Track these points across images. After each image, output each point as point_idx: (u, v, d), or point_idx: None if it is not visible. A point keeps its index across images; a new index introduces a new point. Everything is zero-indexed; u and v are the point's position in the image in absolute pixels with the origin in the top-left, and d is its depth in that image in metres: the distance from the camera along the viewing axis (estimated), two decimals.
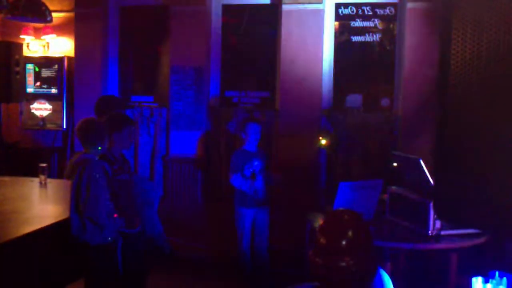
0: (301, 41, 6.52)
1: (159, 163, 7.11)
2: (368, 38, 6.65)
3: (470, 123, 4.11)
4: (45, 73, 7.38)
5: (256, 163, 5.51)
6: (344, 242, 2.11)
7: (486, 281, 2.70)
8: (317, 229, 2.21)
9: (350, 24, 6.68)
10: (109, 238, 4.06)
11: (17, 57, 6.96)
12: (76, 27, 7.29)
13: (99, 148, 4.16)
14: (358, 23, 6.65)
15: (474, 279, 2.72)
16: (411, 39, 6.27)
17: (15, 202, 4.78)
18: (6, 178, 5.72)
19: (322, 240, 2.15)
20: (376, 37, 6.65)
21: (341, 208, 2.32)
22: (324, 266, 2.11)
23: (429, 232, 4.14)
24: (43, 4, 6.32)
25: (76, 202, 3.97)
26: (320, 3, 6.48)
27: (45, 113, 7.39)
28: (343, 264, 2.09)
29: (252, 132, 5.53)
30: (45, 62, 7.40)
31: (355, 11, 6.64)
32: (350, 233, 2.12)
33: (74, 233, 3.99)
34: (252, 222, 5.61)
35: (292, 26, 6.54)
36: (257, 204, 5.55)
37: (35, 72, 7.38)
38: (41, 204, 5.08)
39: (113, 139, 4.35)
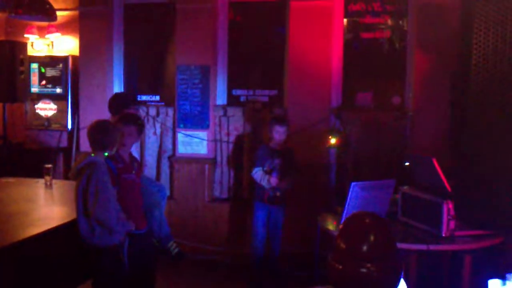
0: (310, 38, 6.48)
1: (165, 163, 7.09)
2: (378, 34, 6.60)
3: (489, 122, 4.08)
4: (50, 72, 7.37)
5: (277, 161, 5.61)
6: (365, 247, 2.00)
7: (503, 283, 2.66)
8: (337, 233, 2.12)
9: (359, 20, 6.64)
10: (117, 240, 4.04)
11: (21, 56, 6.96)
12: (80, 25, 7.28)
13: (107, 152, 4.12)
14: (367, 20, 6.61)
15: (490, 281, 2.68)
16: (422, 35, 6.22)
17: (20, 203, 4.77)
18: (11, 179, 5.72)
19: (342, 245, 2.05)
20: (386, 33, 6.61)
21: (362, 211, 2.21)
22: (344, 272, 2.02)
23: (443, 233, 4.10)
24: (47, 3, 6.31)
25: (83, 205, 3.95)
26: None
27: (50, 113, 7.38)
28: (365, 270, 1.99)
29: (276, 133, 5.67)
30: (49, 61, 7.39)
31: (364, 7, 6.60)
32: (372, 237, 2.02)
33: (82, 236, 3.97)
34: (267, 218, 5.67)
35: (301, 23, 6.50)
36: (273, 201, 5.60)
37: (40, 72, 7.37)
38: (47, 206, 5.07)
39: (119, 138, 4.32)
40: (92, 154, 4.07)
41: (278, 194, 5.66)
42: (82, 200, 3.96)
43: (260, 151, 5.76)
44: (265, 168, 5.63)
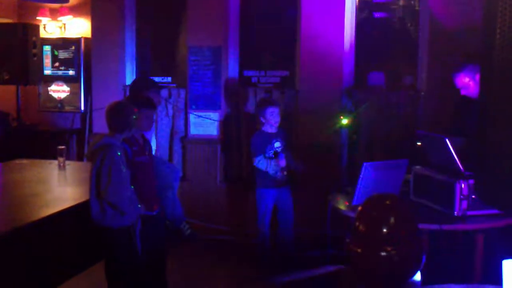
0: (322, 18, 6.41)
1: (178, 144, 7.08)
2: (390, 14, 6.52)
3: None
4: (62, 54, 7.36)
5: (277, 144, 5.49)
6: (385, 230, 1.95)
7: None
8: (355, 215, 2.06)
9: (371, 0, 6.55)
10: (129, 222, 4.04)
11: (34, 39, 6.95)
12: (92, 7, 7.24)
13: (124, 134, 4.10)
14: None
15: (504, 262, 2.63)
16: (434, 14, 6.13)
17: (34, 184, 4.79)
18: (25, 161, 5.73)
19: (361, 227, 2.00)
20: (399, 13, 6.53)
21: (382, 193, 2.14)
22: (364, 256, 1.96)
23: (455, 212, 4.05)
24: None
25: (96, 187, 3.95)
26: None
27: (63, 95, 7.38)
28: (385, 254, 1.93)
29: (271, 116, 5.48)
30: (62, 43, 7.37)
31: None
32: (392, 219, 1.96)
33: (94, 218, 3.97)
34: (274, 203, 5.59)
35: (313, 3, 6.43)
36: (278, 184, 5.53)
37: (53, 54, 7.36)
38: (60, 187, 5.08)
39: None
40: (108, 136, 4.06)
41: (284, 173, 5.53)
42: (95, 182, 3.96)
43: (256, 139, 5.56)
44: (267, 155, 5.50)
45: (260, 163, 5.47)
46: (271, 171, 5.47)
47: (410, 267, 1.98)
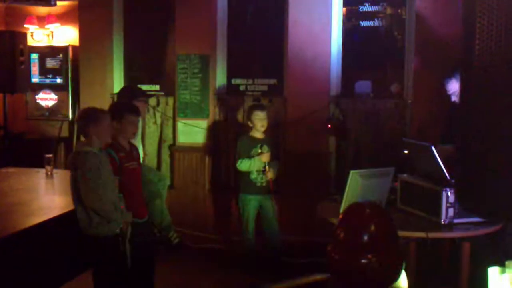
0: (309, 27, 6.44)
1: (166, 152, 7.07)
2: (377, 23, 6.56)
3: (491, 110, 4.03)
4: (50, 62, 7.34)
5: (264, 148, 5.56)
6: (366, 237, 1.95)
7: (503, 271, 2.64)
8: (336, 222, 2.07)
9: (358, 9, 6.59)
10: (117, 230, 4.02)
11: (21, 46, 6.91)
12: (80, 15, 7.23)
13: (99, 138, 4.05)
14: (366, 8, 6.56)
15: (490, 269, 2.66)
16: (420, 23, 6.18)
17: (21, 193, 4.77)
18: (12, 169, 5.71)
19: (342, 235, 2.00)
20: (385, 22, 6.57)
21: (362, 200, 2.16)
22: (344, 263, 1.97)
23: (442, 220, 4.08)
24: None
25: (77, 195, 3.92)
26: None
27: (50, 103, 7.36)
28: (365, 261, 1.93)
29: (258, 119, 5.51)
30: (49, 51, 7.36)
31: None
32: (372, 227, 1.96)
33: (80, 226, 3.95)
34: (256, 209, 5.61)
35: (300, 12, 6.46)
36: (261, 192, 5.54)
37: (40, 62, 7.34)
38: (47, 195, 5.07)
39: (114, 128, 4.27)
40: (83, 143, 4.03)
41: (264, 183, 5.56)
42: (74, 189, 3.93)
43: (241, 143, 5.63)
44: (251, 154, 5.53)
45: (243, 163, 5.50)
46: (254, 167, 5.49)
47: (390, 274, 1.99)
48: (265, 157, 5.48)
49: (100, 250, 4.02)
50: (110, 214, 3.93)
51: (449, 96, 5.38)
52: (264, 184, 5.57)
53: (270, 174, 5.53)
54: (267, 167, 5.52)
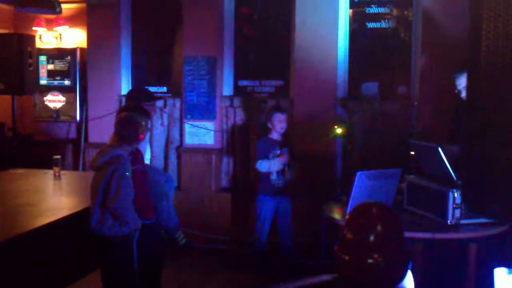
0: (316, 28, 6.44)
1: (173, 154, 7.09)
2: (383, 24, 6.57)
3: (499, 110, 4.01)
4: (58, 64, 7.38)
5: (283, 149, 5.52)
6: (372, 238, 1.96)
7: (509, 272, 2.64)
8: (343, 223, 2.08)
9: (365, 10, 6.60)
10: (126, 231, 4.04)
11: (29, 49, 6.94)
12: (88, 17, 7.27)
13: (131, 146, 4.12)
14: (373, 9, 6.57)
15: (496, 270, 2.66)
16: (427, 24, 6.17)
17: (29, 194, 4.79)
18: (20, 171, 5.73)
19: (349, 235, 2.01)
20: (392, 23, 6.57)
21: (369, 201, 2.17)
22: (351, 263, 1.98)
23: (448, 221, 4.07)
24: None
25: (103, 197, 3.95)
26: None
27: (58, 105, 7.40)
28: (372, 261, 1.95)
29: (277, 121, 5.52)
30: (57, 53, 7.42)
31: None
32: (379, 227, 1.98)
33: (92, 227, 3.98)
34: (273, 211, 5.59)
35: (306, 13, 6.47)
36: (278, 192, 5.54)
37: (48, 64, 7.39)
38: (56, 196, 5.09)
39: None
40: (117, 147, 4.06)
41: (282, 184, 5.54)
42: (103, 193, 3.96)
43: (260, 145, 5.61)
44: (270, 156, 5.51)
45: (262, 164, 5.46)
46: (274, 169, 5.46)
47: (396, 275, 2.00)
48: (285, 159, 5.47)
49: (110, 251, 4.05)
50: (129, 218, 3.97)
51: (458, 93, 5.33)
52: (282, 185, 5.56)
53: (289, 176, 5.53)
54: (286, 168, 5.51)
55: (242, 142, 6.82)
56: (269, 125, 5.60)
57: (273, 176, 5.52)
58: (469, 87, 4.54)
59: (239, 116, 6.81)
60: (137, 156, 4.48)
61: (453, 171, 4.14)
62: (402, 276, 2.02)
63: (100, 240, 4.02)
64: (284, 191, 5.59)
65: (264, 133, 5.72)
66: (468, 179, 4.29)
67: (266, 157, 5.50)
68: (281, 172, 5.52)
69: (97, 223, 3.97)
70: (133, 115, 4.21)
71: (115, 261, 4.08)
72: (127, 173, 3.97)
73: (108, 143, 4.35)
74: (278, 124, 5.53)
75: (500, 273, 2.61)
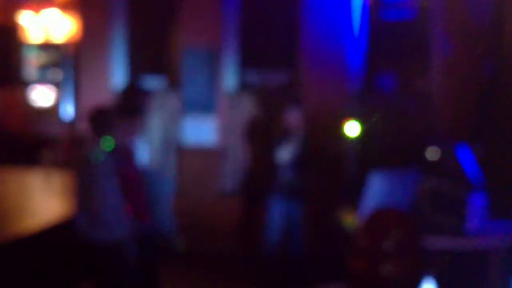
0: (327, 19, 6.42)
1: (171, 153, 7.08)
2: (402, 14, 6.53)
3: None
4: (48, 58, 7.39)
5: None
6: (387, 245, 1.98)
7: None
8: (357, 230, 2.10)
9: (382, 1, 6.56)
10: (119, 236, 4.04)
11: (19, 41, 6.97)
12: (80, 8, 7.25)
13: (108, 139, 4.11)
14: (391, 0, 6.54)
15: None
16: (448, 15, 6.15)
17: (16, 194, 4.79)
18: (8, 169, 5.74)
19: (363, 242, 2.03)
20: (410, 15, 6.53)
21: (384, 207, 2.21)
22: (365, 271, 1.99)
23: (468, 228, 4.05)
24: None
25: (80, 199, 3.95)
26: None
27: (48, 100, 7.41)
28: (386, 270, 1.96)
29: (291, 118, 5.52)
30: (47, 47, 7.41)
31: None
32: (394, 235, 1.99)
33: (79, 232, 3.97)
34: (283, 215, 5.57)
35: (317, 2, 6.45)
36: (290, 193, 5.52)
37: (38, 58, 7.40)
38: (44, 197, 5.09)
39: (121, 128, 4.31)
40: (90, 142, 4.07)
41: (293, 183, 5.54)
42: (79, 194, 3.95)
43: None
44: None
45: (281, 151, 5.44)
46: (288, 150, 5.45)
47: (412, 282, 2.01)
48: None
49: (102, 258, 4.05)
50: (111, 218, 3.97)
51: (483, 82, 5.27)
52: (293, 184, 5.56)
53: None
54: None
55: (245, 140, 6.78)
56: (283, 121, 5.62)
57: (284, 173, 5.51)
58: (491, 82, 4.52)
59: (242, 112, 6.77)
60: (132, 155, 4.48)
61: (475, 172, 4.12)
62: (418, 284, 2.03)
63: (91, 247, 4.01)
64: (295, 192, 5.56)
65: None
66: (493, 181, 4.26)
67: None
68: (292, 169, 5.51)
69: (83, 228, 3.97)
70: (103, 107, 4.23)
71: (109, 268, 4.08)
72: (104, 171, 3.97)
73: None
74: (292, 121, 5.53)
75: None
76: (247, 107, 6.75)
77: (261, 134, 6.68)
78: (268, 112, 6.63)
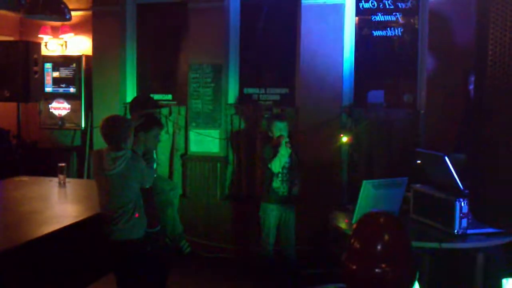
0: (321, 36, 6.45)
1: (178, 161, 7.09)
2: (389, 32, 6.56)
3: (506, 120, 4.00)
4: (63, 72, 7.41)
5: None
6: (380, 247, 1.96)
7: None
8: (350, 232, 2.08)
9: (371, 18, 6.60)
10: (140, 234, 4.11)
11: (35, 56, 6.98)
12: (93, 25, 7.30)
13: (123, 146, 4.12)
14: (379, 17, 6.57)
15: (504, 280, 2.65)
16: (433, 33, 6.18)
17: (34, 202, 4.79)
18: (25, 178, 5.74)
19: (356, 244, 2.01)
20: (398, 31, 6.56)
21: (376, 210, 2.18)
22: (358, 272, 1.97)
23: (455, 231, 4.06)
24: (62, 2, 6.29)
25: (102, 202, 4.02)
26: None
27: (63, 113, 7.42)
28: (379, 270, 1.95)
29: (278, 130, 5.49)
30: (63, 61, 7.44)
31: (376, 5, 6.56)
32: (387, 237, 1.98)
33: (105, 230, 4.04)
34: (278, 219, 5.55)
35: (312, 21, 6.48)
36: (283, 201, 5.50)
37: (54, 72, 7.42)
38: (60, 204, 5.09)
39: (139, 138, 4.33)
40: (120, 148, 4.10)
41: (286, 193, 5.51)
42: (101, 198, 4.00)
43: (267, 149, 5.54)
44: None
45: (274, 162, 5.37)
46: (284, 159, 5.40)
47: (404, 284, 2.00)
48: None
49: (125, 253, 4.08)
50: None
51: (468, 93, 5.29)
52: (286, 193, 5.52)
53: (295, 191, 5.49)
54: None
55: (247, 150, 6.81)
56: (270, 133, 5.59)
57: (276, 184, 5.49)
58: (476, 97, 4.55)
59: (245, 124, 6.80)
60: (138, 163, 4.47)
61: (460, 180, 4.13)
62: (410, 285, 2.02)
63: (114, 244, 4.05)
64: (288, 200, 5.55)
65: (268, 141, 5.70)
66: (475, 188, 4.27)
67: (274, 156, 5.44)
68: (285, 181, 5.49)
69: (108, 226, 4.00)
70: (113, 116, 4.26)
71: (131, 265, 4.10)
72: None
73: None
74: (278, 132, 5.50)
75: (508, 284, 2.59)
76: (247, 120, 6.77)
77: (257, 144, 6.70)
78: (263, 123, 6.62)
